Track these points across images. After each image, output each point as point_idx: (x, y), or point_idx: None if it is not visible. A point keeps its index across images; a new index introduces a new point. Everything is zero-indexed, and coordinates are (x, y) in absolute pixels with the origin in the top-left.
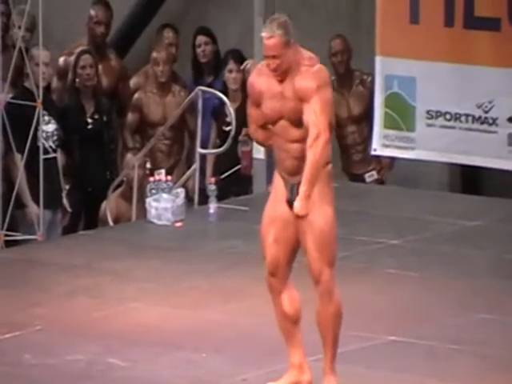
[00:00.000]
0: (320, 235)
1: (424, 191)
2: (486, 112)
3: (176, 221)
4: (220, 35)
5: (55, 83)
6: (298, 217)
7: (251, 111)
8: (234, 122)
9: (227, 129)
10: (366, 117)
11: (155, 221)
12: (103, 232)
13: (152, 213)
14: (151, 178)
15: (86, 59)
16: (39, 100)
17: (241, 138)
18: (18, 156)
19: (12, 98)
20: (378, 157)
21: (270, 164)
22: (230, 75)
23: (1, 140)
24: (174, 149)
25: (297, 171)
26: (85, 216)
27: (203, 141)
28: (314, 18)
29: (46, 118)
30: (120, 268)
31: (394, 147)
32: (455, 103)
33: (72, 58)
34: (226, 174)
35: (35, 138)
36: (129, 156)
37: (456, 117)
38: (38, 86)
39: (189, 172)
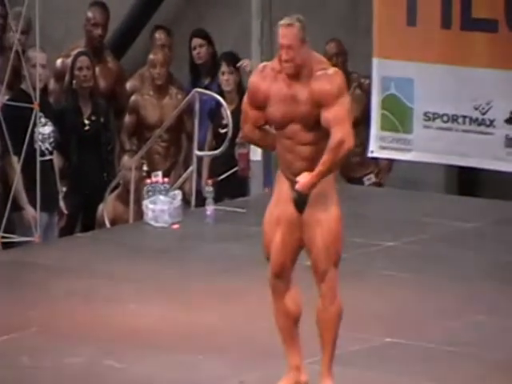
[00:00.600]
0: (328, 234)
1: (421, 193)
2: (484, 114)
3: (173, 223)
4: (218, 37)
5: (52, 85)
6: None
7: (249, 112)
8: (230, 125)
9: (223, 131)
10: (364, 120)
11: (152, 223)
12: (100, 234)
13: (149, 215)
14: (148, 180)
15: (83, 61)
16: (36, 102)
17: (238, 140)
18: (14, 158)
19: (8, 100)
20: (376, 159)
21: (267, 166)
22: (223, 77)
23: None
24: (171, 151)
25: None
26: (82, 218)
27: (200, 143)
28: (311, 21)
29: (43, 120)
30: (117, 270)
31: (391, 149)
32: (452, 105)
33: (69, 60)
34: (223, 176)
35: (32, 140)
36: (126, 158)
37: (453, 118)
38: (34, 88)
39: (185, 174)
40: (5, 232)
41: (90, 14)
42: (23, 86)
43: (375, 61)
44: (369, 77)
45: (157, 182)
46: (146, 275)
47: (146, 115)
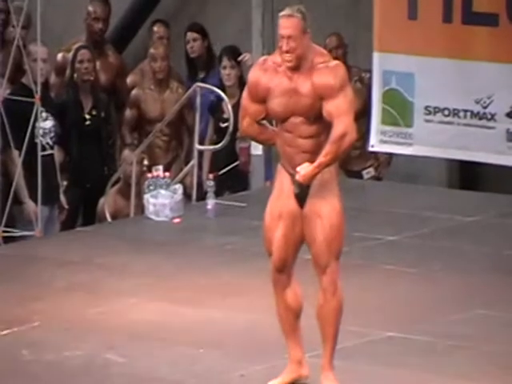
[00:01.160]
0: (330, 228)
1: (422, 187)
2: (485, 107)
3: (174, 217)
4: (219, 31)
5: (53, 79)
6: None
7: (249, 106)
8: (231, 119)
9: (224, 125)
10: (364, 114)
11: (153, 217)
12: (101, 228)
13: (150, 209)
14: (149, 175)
15: (84, 54)
16: (37, 96)
17: (239, 134)
18: (15, 152)
19: (10, 95)
20: (375, 153)
21: (268, 160)
22: (225, 72)
23: None
24: (172, 145)
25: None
26: (83, 212)
27: (200, 137)
28: (312, 14)
29: (44, 114)
30: (118, 264)
31: (392, 143)
32: (453, 99)
33: (70, 54)
34: (224, 170)
35: (33, 134)
36: (126, 152)
37: (454, 112)
38: (35, 82)
39: (186, 168)
40: (6, 226)
41: (90, 8)
42: (24, 81)
43: (376, 55)
44: (370, 71)
45: (158, 176)
46: (147, 269)
47: (147, 109)
